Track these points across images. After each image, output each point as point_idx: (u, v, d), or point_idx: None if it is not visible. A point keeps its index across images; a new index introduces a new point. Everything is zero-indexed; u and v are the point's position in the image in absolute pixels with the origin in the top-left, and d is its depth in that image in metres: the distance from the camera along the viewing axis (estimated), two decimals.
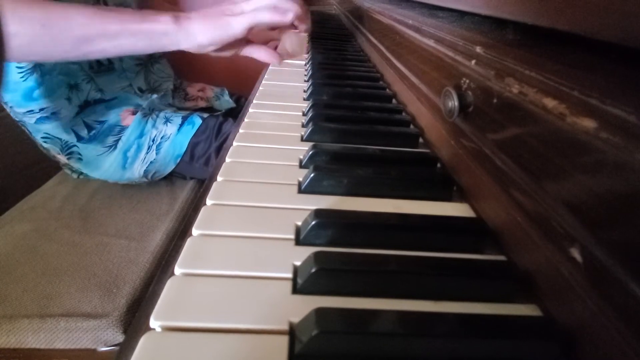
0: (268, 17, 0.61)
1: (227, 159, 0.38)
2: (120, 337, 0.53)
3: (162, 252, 0.66)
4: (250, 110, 0.51)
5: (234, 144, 0.41)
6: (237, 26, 0.60)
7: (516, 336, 0.20)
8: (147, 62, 0.94)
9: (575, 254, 0.19)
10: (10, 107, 0.73)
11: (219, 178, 0.34)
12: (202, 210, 0.30)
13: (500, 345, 0.20)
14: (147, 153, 0.81)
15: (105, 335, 0.52)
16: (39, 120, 0.73)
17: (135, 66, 0.89)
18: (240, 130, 0.44)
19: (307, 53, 0.89)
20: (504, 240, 0.26)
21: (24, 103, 0.70)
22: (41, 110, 0.71)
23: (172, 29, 0.59)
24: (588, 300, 0.18)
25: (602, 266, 0.18)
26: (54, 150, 0.79)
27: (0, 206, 0.76)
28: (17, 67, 0.67)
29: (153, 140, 0.82)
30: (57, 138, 0.77)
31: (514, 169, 0.26)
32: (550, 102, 0.22)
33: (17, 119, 0.76)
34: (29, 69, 0.68)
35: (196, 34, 0.60)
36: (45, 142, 0.77)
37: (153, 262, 0.64)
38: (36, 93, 0.69)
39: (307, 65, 0.77)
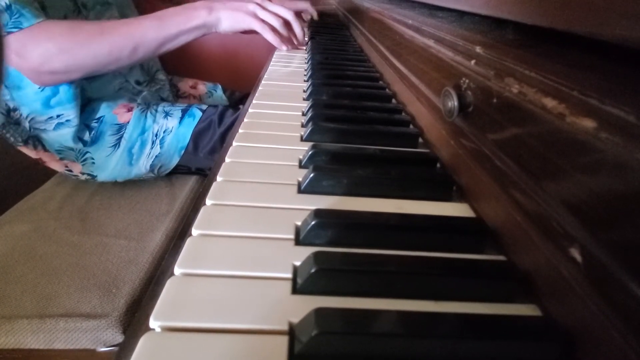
0: (270, 38, 0.83)
1: (227, 159, 0.38)
2: (119, 338, 0.53)
3: (162, 252, 0.66)
4: (250, 110, 0.51)
5: (234, 144, 0.41)
6: (248, 24, 0.80)
7: (516, 336, 0.20)
8: None
9: (575, 254, 0.19)
10: (32, 118, 0.76)
11: (219, 178, 0.34)
12: (202, 210, 0.30)
13: (501, 345, 0.20)
14: (151, 148, 0.83)
15: (105, 335, 0.52)
16: (57, 127, 0.76)
17: None
18: (240, 130, 0.44)
19: (307, 53, 0.89)
20: (503, 240, 0.26)
21: (44, 111, 0.75)
22: (58, 116, 0.76)
23: (208, 20, 0.77)
24: (588, 300, 0.18)
25: (601, 266, 0.18)
26: (69, 160, 0.80)
27: (0, 206, 0.76)
28: None
29: (156, 135, 0.83)
30: (70, 149, 0.79)
31: (514, 169, 0.26)
32: (549, 102, 0.22)
33: (33, 134, 0.78)
34: None
35: (222, 22, 0.79)
36: (60, 154, 0.79)
37: (152, 262, 0.64)
38: (53, 101, 0.74)
39: (307, 65, 0.77)
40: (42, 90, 0.73)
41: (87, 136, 0.80)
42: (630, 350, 0.16)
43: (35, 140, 0.78)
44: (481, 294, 0.23)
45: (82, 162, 0.81)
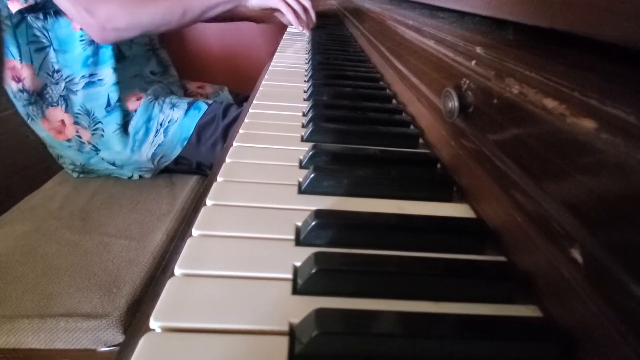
0: (292, 19, 0.98)
1: (228, 160, 0.38)
2: (120, 338, 0.53)
3: (162, 252, 0.66)
4: (251, 110, 0.51)
5: (234, 144, 0.41)
6: (274, 3, 0.95)
7: (517, 337, 0.20)
8: (153, 47, 1.01)
9: (576, 254, 0.19)
10: (70, 79, 0.84)
11: (219, 178, 0.34)
12: (202, 210, 0.30)
13: (501, 346, 0.19)
14: (155, 136, 0.86)
15: (105, 335, 0.52)
16: (86, 85, 0.84)
17: (145, 52, 0.97)
18: (241, 131, 0.44)
19: (308, 53, 0.89)
20: (504, 241, 0.26)
21: (82, 69, 0.83)
22: (91, 75, 0.84)
23: None
24: (588, 301, 0.18)
25: (602, 267, 0.18)
26: (82, 126, 0.85)
27: (1, 206, 0.77)
28: (80, 41, 0.81)
29: (161, 124, 0.87)
30: (87, 112, 0.84)
31: (514, 169, 0.26)
32: (550, 103, 0.22)
33: (63, 94, 0.84)
34: (88, 41, 0.81)
35: None
36: (76, 118, 0.84)
37: (153, 262, 0.64)
38: (90, 61, 0.83)
39: (307, 66, 0.77)
40: (84, 50, 0.82)
41: (107, 105, 0.85)
42: (631, 351, 0.16)
43: (63, 99, 0.84)
44: (481, 294, 0.23)
45: (92, 130, 0.85)
